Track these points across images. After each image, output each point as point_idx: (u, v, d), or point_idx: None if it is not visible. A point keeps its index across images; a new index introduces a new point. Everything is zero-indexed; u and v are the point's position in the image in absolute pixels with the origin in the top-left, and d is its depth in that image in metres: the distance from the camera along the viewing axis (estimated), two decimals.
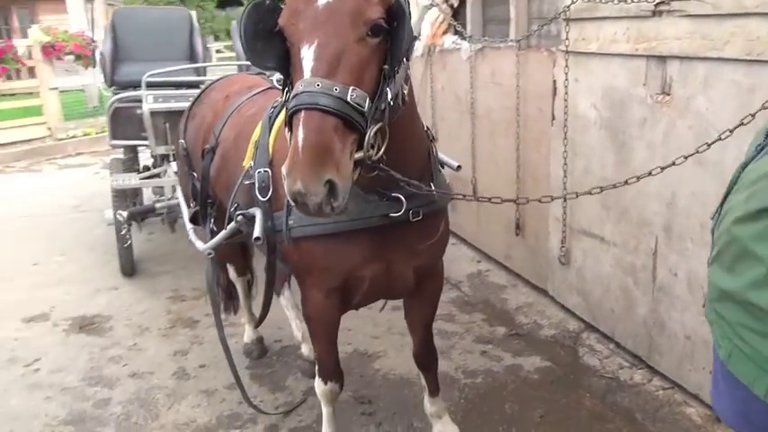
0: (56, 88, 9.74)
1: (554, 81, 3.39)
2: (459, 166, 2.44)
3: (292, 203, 1.48)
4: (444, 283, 4.21)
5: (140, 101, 4.18)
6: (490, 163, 4.24)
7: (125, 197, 4.41)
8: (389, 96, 1.54)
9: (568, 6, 3.16)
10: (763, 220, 0.95)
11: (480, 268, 4.42)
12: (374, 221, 1.95)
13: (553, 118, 3.45)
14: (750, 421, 1.03)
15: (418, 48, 5.05)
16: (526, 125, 3.76)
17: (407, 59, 1.65)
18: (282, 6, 1.56)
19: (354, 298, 2.17)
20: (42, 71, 9.59)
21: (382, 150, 1.59)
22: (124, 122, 4.37)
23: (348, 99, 1.44)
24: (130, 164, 4.98)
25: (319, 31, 1.47)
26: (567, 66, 3.23)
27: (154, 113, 4.18)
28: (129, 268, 4.51)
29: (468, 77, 4.32)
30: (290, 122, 1.49)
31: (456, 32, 4.54)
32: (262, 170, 2.14)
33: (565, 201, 3.36)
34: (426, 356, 2.51)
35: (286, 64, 1.58)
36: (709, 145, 2.07)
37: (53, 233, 5.73)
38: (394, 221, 1.95)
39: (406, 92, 1.67)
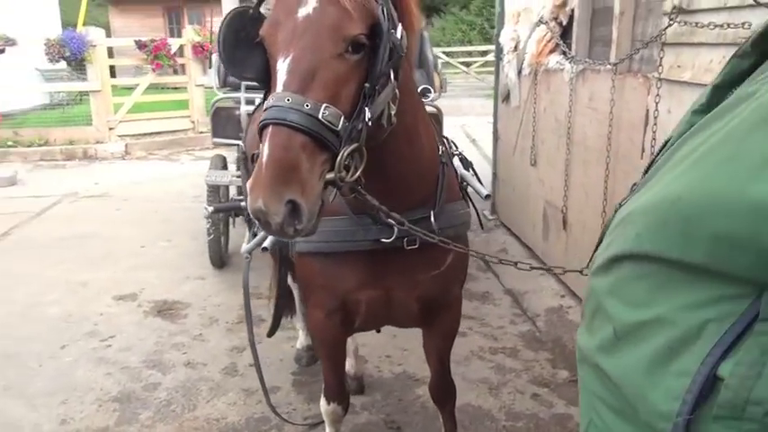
0: (202, 85, 10.46)
1: (647, 110, 3.10)
2: (488, 195, 2.28)
3: (255, 221, 1.43)
4: (519, 315, 4.10)
5: (240, 103, 4.36)
6: (581, 192, 3.97)
7: (217, 192, 4.63)
8: (367, 116, 1.45)
9: (665, 29, 2.88)
10: (615, 271, 0.79)
11: (562, 303, 4.14)
12: (364, 245, 1.87)
13: (643, 151, 3.16)
14: None
15: (525, 66, 4.87)
16: (617, 156, 3.47)
17: (395, 78, 1.55)
18: (266, 16, 1.52)
19: (355, 321, 2.10)
20: (191, 68, 10.35)
21: (358, 173, 1.50)
22: (224, 122, 4.59)
23: (319, 116, 1.35)
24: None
25: (296, 43, 1.40)
26: (658, 94, 2.94)
27: (251, 115, 4.33)
28: (218, 260, 4.71)
29: (567, 100, 4.08)
30: (261, 137, 1.42)
31: (563, 52, 4.31)
32: None
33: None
34: (440, 391, 2.37)
35: (266, 76, 1.52)
36: None
37: (167, 219, 6.14)
38: (388, 247, 1.86)
39: (393, 112, 1.57)
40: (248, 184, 1.37)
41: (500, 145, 5.83)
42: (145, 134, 10.21)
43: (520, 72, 5.05)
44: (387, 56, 1.44)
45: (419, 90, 3.27)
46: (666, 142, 0.88)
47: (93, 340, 3.69)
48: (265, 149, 1.35)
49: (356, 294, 1.99)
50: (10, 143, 9.52)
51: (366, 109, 1.44)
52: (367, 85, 1.45)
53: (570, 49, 4.17)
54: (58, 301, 4.24)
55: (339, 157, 1.41)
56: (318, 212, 1.42)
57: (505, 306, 4.23)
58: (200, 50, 10.06)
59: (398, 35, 1.52)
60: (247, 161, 3.06)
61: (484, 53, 21.95)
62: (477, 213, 2.48)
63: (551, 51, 4.45)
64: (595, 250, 0.90)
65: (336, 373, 2.27)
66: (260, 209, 1.31)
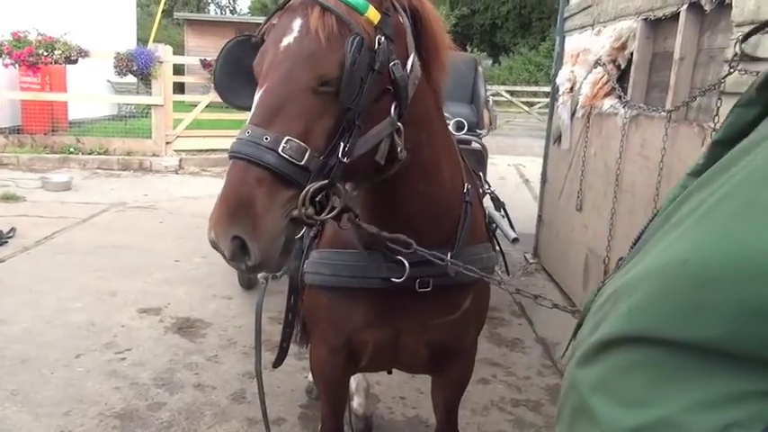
0: None
1: None
2: (515, 239, 2.12)
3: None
4: (548, 367, 3.86)
5: None
6: (625, 243, 3.71)
7: None
8: (340, 152, 1.33)
9: (725, 77, 2.68)
10: (602, 359, 0.63)
11: None
12: (374, 283, 1.75)
13: None
14: None
15: (578, 109, 4.69)
16: None
17: (400, 112, 1.43)
18: None
19: (360, 362, 1.97)
20: None
21: (335, 212, 1.38)
22: None
23: (279, 150, 1.26)
24: None
25: (270, 75, 1.33)
26: None
27: None
28: (246, 281, 4.65)
29: (618, 146, 3.87)
30: None
31: (618, 96, 4.12)
32: None
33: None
34: None
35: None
36: None
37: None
38: (401, 287, 1.73)
39: (399, 148, 1.45)
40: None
41: (548, 188, 5.63)
42: (201, 150, 10.39)
43: (573, 114, 4.87)
44: (366, 90, 1.32)
45: (464, 125, 3.14)
46: (656, 214, 0.72)
47: (108, 352, 3.64)
48: (224, 183, 1.30)
49: (362, 334, 1.88)
50: (72, 149, 9.83)
51: (341, 144, 1.33)
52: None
53: (626, 94, 3.97)
54: (84, 308, 4.24)
55: (303, 194, 1.31)
56: (285, 249, 1.34)
57: (535, 355, 4.00)
58: None
59: (408, 66, 1.41)
60: None
61: (548, 94, 21.75)
62: (504, 257, 2.32)
63: (606, 95, 4.26)
64: (573, 338, 0.74)
65: (334, 415, 2.14)
66: (212, 241, 1.29)
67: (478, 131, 4.99)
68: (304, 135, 1.30)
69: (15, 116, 10.59)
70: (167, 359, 3.59)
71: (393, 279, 1.71)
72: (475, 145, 4.41)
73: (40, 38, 9.59)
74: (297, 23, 1.34)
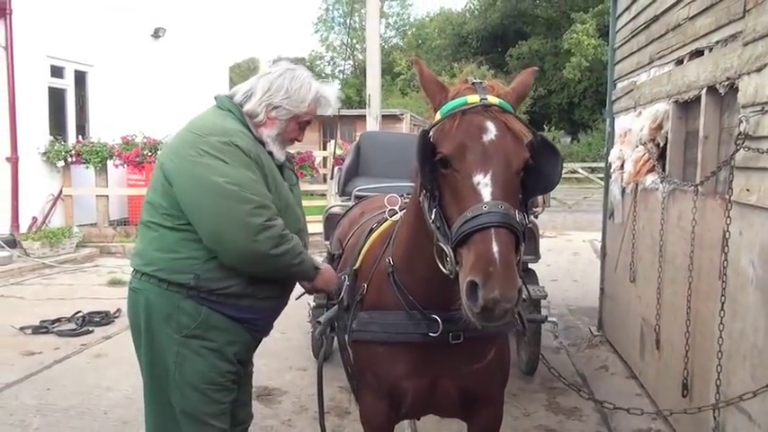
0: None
1: (724, 232, 3.11)
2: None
3: (476, 311, 1.61)
4: None
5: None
6: (670, 311, 3.91)
7: None
8: (524, 216, 1.78)
9: (733, 154, 2.95)
10: None
11: (651, 426, 3.99)
12: (413, 338, 2.12)
13: (720, 271, 3.14)
14: None
15: (626, 186, 4.95)
16: (699, 276, 3.45)
17: None
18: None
19: (401, 408, 2.30)
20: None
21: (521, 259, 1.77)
22: (335, 226, 5.05)
23: (517, 219, 1.69)
24: None
25: (491, 162, 1.73)
26: (729, 216, 2.97)
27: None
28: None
29: (660, 218, 4.11)
30: (468, 237, 1.66)
31: (659, 173, 4.37)
32: (344, 274, 2.49)
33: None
34: None
35: (433, 184, 1.82)
36: None
37: (285, 314, 6.61)
38: (436, 341, 2.08)
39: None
40: (475, 278, 1.60)
41: (607, 261, 5.82)
42: None
43: (624, 190, 5.13)
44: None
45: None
46: None
47: None
48: (494, 248, 1.62)
49: (403, 382, 2.22)
50: None
51: (524, 214, 1.79)
52: (526, 194, 1.86)
53: (665, 170, 4.23)
54: None
55: (521, 251, 1.74)
56: None
57: (592, 423, 4.14)
58: (341, 162, 10.95)
59: None
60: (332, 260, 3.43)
61: None
62: (522, 318, 2.56)
63: (648, 171, 4.53)
64: None
65: None
66: (495, 298, 1.56)
67: (534, 209, 5.30)
68: (516, 205, 1.73)
69: (123, 209, 11.74)
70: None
71: (430, 334, 2.07)
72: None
73: (145, 140, 10.75)
74: (492, 124, 1.77)
